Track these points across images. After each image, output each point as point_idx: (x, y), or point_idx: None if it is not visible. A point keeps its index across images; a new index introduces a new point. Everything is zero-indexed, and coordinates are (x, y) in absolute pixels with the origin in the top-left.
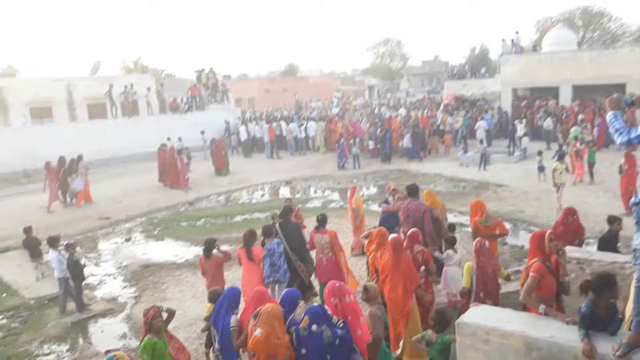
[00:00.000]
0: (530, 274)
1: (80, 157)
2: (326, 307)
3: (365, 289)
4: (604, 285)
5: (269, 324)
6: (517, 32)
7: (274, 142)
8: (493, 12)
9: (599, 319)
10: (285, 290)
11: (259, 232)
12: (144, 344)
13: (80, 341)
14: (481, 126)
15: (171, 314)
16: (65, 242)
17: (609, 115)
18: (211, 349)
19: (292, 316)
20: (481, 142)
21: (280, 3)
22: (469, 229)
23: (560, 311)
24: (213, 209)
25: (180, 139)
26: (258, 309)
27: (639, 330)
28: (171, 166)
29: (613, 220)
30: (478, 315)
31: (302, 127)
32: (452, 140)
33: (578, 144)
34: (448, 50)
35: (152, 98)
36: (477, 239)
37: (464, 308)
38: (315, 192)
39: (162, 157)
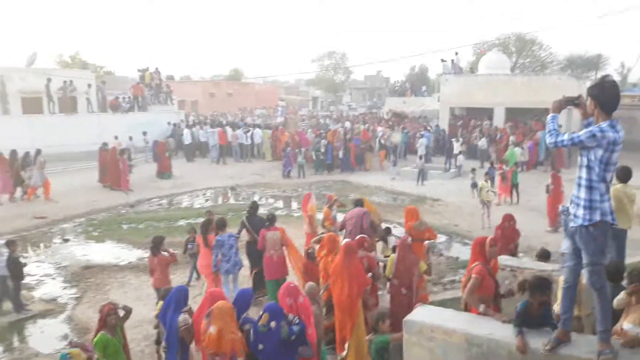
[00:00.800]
0: (473, 275)
1: (38, 152)
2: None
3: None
4: (538, 286)
5: (222, 320)
6: (456, 53)
7: (223, 146)
8: (433, 32)
9: (533, 317)
10: (239, 290)
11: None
12: (96, 340)
13: (18, 342)
14: (422, 143)
15: (128, 311)
16: (7, 239)
17: (548, 117)
18: (160, 345)
19: (245, 314)
20: (420, 157)
21: (226, 6)
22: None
23: (497, 311)
24: (155, 212)
25: (131, 138)
26: (210, 308)
27: (567, 327)
28: (112, 166)
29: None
30: (423, 314)
31: (248, 134)
32: (388, 155)
33: (504, 166)
34: (389, 67)
35: (92, 95)
36: (403, 235)
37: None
38: (260, 199)
39: (103, 157)
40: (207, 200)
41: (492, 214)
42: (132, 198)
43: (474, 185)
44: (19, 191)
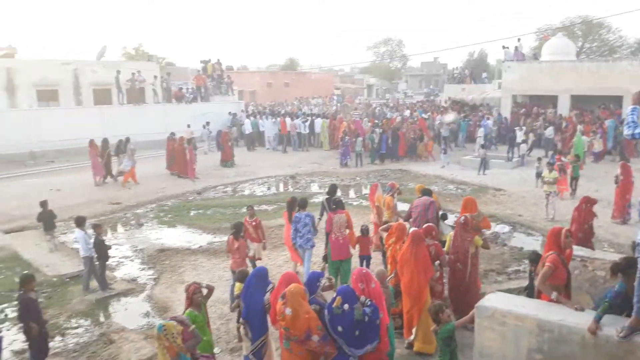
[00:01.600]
0: (547, 264)
1: (128, 140)
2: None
3: (377, 274)
4: (632, 266)
5: (296, 302)
6: (519, 39)
7: (284, 136)
8: (494, 17)
9: (629, 298)
10: (309, 272)
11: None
12: (185, 315)
13: (105, 318)
14: (481, 132)
15: (210, 290)
16: (93, 223)
17: (629, 108)
18: (239, 321)
19: (313, 296)
20: (482, 146)
21: None
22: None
23: (568, 299)
24: (221, 199)
25: (205, 125)
26: (284, 290)
27: None
28: (180, 155)
29: None
30: (495, 300)
31: (307, 123)
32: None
33: (562, 158)
34: (446, 53)
35: (158, 86)
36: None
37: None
38: (319, 187)
39: (170, 146)
40: (269, 188)
41: (557, 203)
42: (199, 185)
43: (539, 174)
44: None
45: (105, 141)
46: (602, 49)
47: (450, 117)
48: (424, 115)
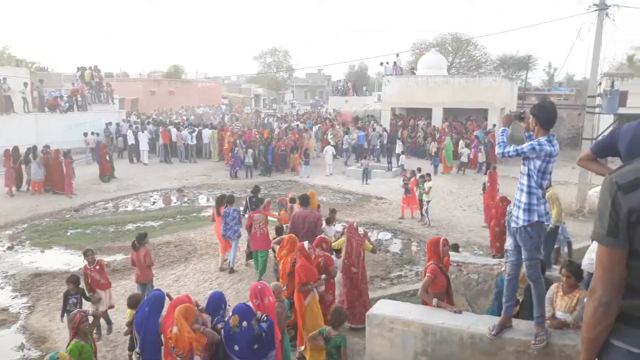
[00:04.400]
0: (427, 274)
1: (35, 148)
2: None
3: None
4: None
5: (179, 321)
6: (397, 55)
7: (168, 146)
8: (374, 31)
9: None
10: (211, 293)
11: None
12: (70, 347)
13: None
14: (346, 140)
15: (97, 317)
16: None
17: (499, 130)
18: (134, 351)
19: (219, 316)
20: (364, 157)
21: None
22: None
23: (449, 303)
24: (102, 216)
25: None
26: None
27: (508, 314)
28: (55, 170)
29: None
30: (384, 308)
31: (194, 134)
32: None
33: (407, 175)
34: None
35: (28, 94)
36: (350, 222)
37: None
38: (207, 200)
39: (45, 160)
40: (154, 203)
41: (431, 210)
42: (76, 202)
43: (405, 184)
44: None
45: (15, 149)
46: (470, 64)
47: (340, 134)
48: (301, 127)
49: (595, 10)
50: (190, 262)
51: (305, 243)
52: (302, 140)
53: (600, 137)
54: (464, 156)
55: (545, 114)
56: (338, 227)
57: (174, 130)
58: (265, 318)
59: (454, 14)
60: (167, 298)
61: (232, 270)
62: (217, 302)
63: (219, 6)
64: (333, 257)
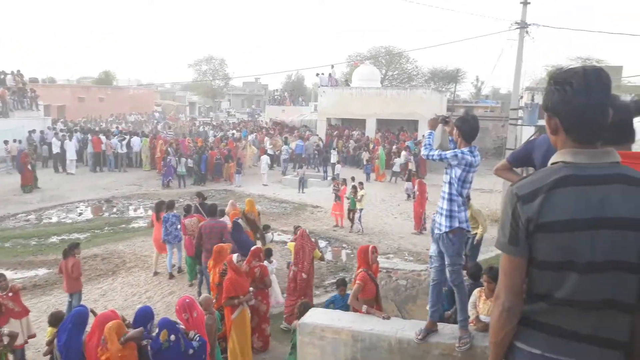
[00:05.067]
0: (357, 281)
1: None
2: (178, 320)
3: (199, 302)
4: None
5: (110, 336)
6: (332, 66)
7: (99, 155)
8: (309, 42)
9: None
10: (138, 308)
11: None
12: None
13: None
14: (284, 149)
15: (13, 337)
16: None
17: (426, 132)
18: None
19: (145, 332)
20: (301, 166)
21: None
22: (286, 246)
23: (379, 310)
24: (22, 229)
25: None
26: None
27: (434, 318)
28: None
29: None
30: (315, 316)
31: (124, 142)
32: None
33: (340, 184)
34: (266, 74)
35: None
36: (301, 229)
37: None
38: (135, 210)
39: None
40: (80, 214)
41: (364, 217)
42: None
43: (336, 191)
44: None
45: None
46: (402, 77)
47: (279, 142)
48: (236, 136)
49: (517, 28)
50: (118, 275)
51: (235, 255)
52: (237, 149)
53: (516, 148)
54: (396, 166)
55: (467, 127)
56: (275, 236)
57: (102, 138)
58: (197, 338)
59: (388, 28)
60: (91, 314)
61: (171, 276)
62: (144, 317)
63: (154, 12)
64: (266, 263)
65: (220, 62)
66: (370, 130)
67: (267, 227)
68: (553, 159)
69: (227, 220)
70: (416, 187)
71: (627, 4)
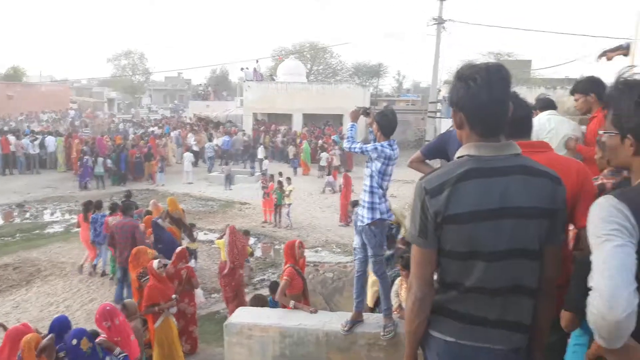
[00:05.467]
0: (284, 277)
1: None
2: (99, 330)
3: (124, 306)
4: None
5: (27, 351)
6: (257, 61)
7: (8, 156)
8: (233, 36)
9: None
10: (54, 318)
11: None
12: None
13: None
14: (209, 146)
15: None
16: None
17: (348, 125)
18: None
19: (61, 343)
20: (227, 163)
21: None
22: (214, 245)
23: (306, 304)
24: None
25: None
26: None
27: (359, 309)
28: None
29: None
30: (242, 315)
31: (36, 142)
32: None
33: (267, 181)
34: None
35: None
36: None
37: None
38: (52, 214)
39: None
40: None
41: (292, 212)
42: None
43: (264, 188)
44: None
45: None
46: (327, 72)
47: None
48: (158, 132)
49: (434, 24)
50: (32, 285)
51: (155, 262)
52: (158, 147)
53: (430, 141)
54: (322, 160)
55: (386, 122)
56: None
57: (12, 139)
58: (122, 357)
59: (312, 23)
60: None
61: (104, 273)
62: (61, 328)
63: (68, 3)
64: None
65: (140, 57)
66: (297, 124)
67: (192, 226)
68: (459, 153)
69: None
70: (342, 180)
71: (536, 1)
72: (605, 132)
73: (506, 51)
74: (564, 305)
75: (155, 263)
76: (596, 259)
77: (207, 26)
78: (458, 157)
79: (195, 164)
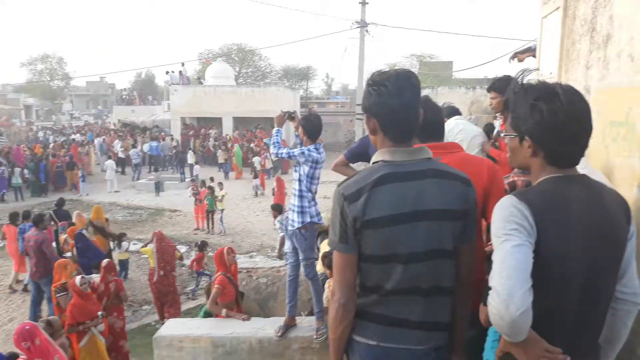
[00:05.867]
0: (215, 286)
1: None
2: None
3: (49, 323)
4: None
5: None
6: (183, 64)
7: None
8: (159, 38)
9: None
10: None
11: None
12: None
13: None
14: (134, 153)
15: None
16: None
17: (274, 130)
18: None
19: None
20: (156, 169)
21: None
22: (144, 255)
23: (239, 312)
24: None
25: None
26: None
27: (292, 313)
28: None
29: None
30: (171, 327)
31: None
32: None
33: (199, 187)
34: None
35: None
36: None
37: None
38: None
39: None
40: None
41: (226, 218)
42: None
43: (195, 194)
44: None
45: None
46: (256, 74)
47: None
48: (80, 140)
49: (358, 27)
50: None
51: (78, 278)
52: (81, 155)
53: (353, 145)
54: (256, 164)
55: (310, 127)
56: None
57: None
58: None
59: (239, 25)
60: None
61: (25, 289)
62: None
63: None
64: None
65: (59, 61)
66: (228, 128)
67: (123, 235)
68: (374, 159)
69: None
70: (275, 184)
71: (456, 6)
72: (505, 135)
73: (429, 53)
74: (482, 299)
75: (78, 279)
76: (496, 258)
77: (131, 29)
78: (373, 163)
79: (122, 172)
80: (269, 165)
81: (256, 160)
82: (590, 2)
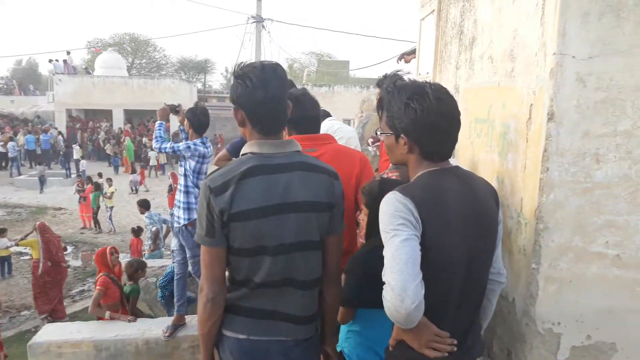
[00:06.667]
0: (97, 287)
1: None
2: None
3: None
4: None
5: None
6: (68, 52)
7: None
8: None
9: None
10: None
11: None
12: None
13: None
14: (11, 147)
15: None
16: None
17: (156, 124)
18: None
19: None
20: (39, 164)
21: None
22: (28, 258)
23: (125, 314)
24: None
25: None
26: None
27: (181, 312)
28: None
29: None
30: (48, 333)
31: None
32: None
33: (83, 182)
34: None
35: None
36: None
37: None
38: None
39: None
40: None
41: (115, 216)
42: None
43: (79, 191)
44: None
45: None
46: (151, 66)
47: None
48: None
49: (254, 22)
50: None
51: None
52: None
53: (235, 139)
54: (152, 159)
55: (196, 119)
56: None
57: None
58: None
59: (132, 14)
60: None
61: None
62: None
63: None
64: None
65: None
66: (118, 121)
67: (3, 231)
68: (243, 151)
69: None
70: (171, 179)
71: (352, 6)
72: (381, 133)
73: (327, 52)
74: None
75: None
76: (387, 253)
77: (10, 12)
78: (242, 155)
79: (4, 167)
80: (163, 160)
81: (152, 155)
82: (459, 7)
